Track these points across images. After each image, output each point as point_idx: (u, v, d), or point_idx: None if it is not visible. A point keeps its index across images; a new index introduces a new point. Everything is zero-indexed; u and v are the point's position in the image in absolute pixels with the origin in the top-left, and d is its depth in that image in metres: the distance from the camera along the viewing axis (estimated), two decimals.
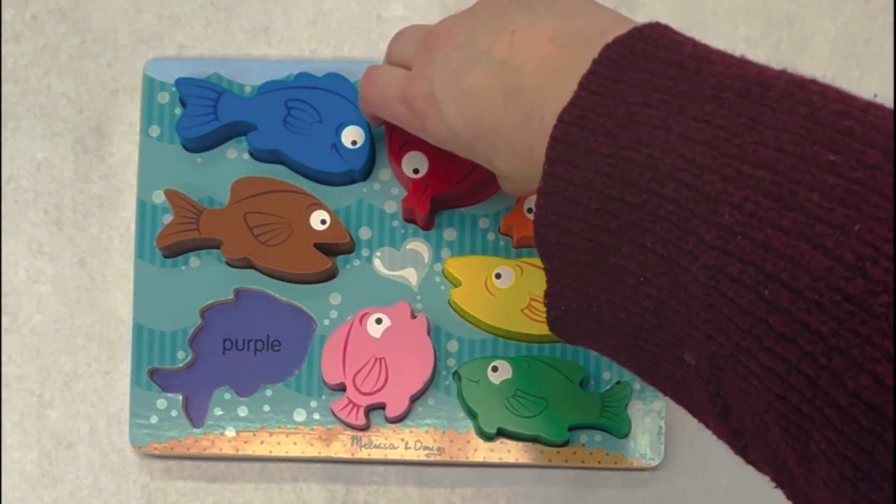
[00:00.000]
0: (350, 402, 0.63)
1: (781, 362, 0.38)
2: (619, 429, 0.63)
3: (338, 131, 0.64)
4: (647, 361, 0.45)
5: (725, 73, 0.42)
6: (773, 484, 0.42)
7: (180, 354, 0.64)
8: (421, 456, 0.64)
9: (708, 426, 0.44)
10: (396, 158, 0.64)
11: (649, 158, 0.42)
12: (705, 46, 0.44)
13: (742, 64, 0.43)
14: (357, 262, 0.65)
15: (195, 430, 0.64)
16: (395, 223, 0.65)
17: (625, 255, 0.43)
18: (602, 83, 0.44)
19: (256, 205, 0.64)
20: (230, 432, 0.64)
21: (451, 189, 0.64)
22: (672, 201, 0.41)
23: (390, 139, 0.64)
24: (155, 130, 0.66)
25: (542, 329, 0.63)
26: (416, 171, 0.64)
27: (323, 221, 0.64)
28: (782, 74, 0.41)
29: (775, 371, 0.38)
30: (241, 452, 0.64)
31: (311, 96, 0.65)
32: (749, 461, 0.43)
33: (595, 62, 0.44)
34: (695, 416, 0.45)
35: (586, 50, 0.45)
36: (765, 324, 0.38)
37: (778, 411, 0.39)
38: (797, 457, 0.39)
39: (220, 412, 0.64)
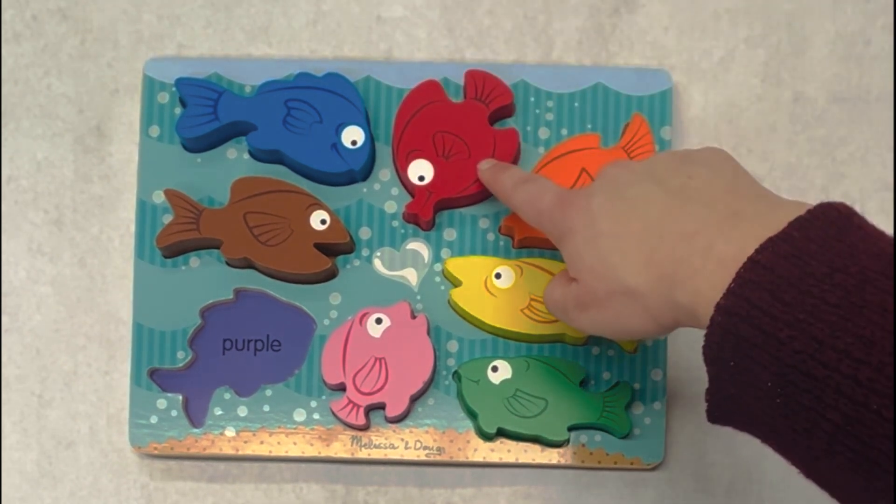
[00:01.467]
0: (350, 402, 0.63)
1: None
2: (619, 429, 0.63)
3: (338, 131, 0.64)
4: (822, 476, 0.45)
5: None
6: None
7: (180, 354, 0.64)
8: (421, 456, 0.64)
9: None
10: (402, 165, 0.64)
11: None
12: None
13: None
14: (357, 262, 0.65)
15: (195, 430, 0.64)
16: (395, 223, 0.65)
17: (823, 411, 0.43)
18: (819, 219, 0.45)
19: (256, 205, 0.64)
20: (230, 432, 0.64)
21: (454, 197, 0.64)
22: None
23: (397, 146, 0.64)
24: (155, 130, 0.66)
25: (542, 329, 0.63)
26: (421, 178, 0.64)
27: (323, 221, 0.64)
28: None
29: None
30: (241, 452, 0.64)
31: (311, 96, 0.65)
32: None
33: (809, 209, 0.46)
34: None
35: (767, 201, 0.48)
36: None
37: None
38: None
39: (220, 412, 0.64)
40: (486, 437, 0.64)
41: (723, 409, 0.48)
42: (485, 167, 0.63)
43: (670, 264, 0.48)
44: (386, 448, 0.64)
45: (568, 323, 0.56)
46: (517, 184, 0.59)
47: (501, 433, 0.64)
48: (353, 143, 0.64)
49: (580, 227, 0.53)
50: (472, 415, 0.64)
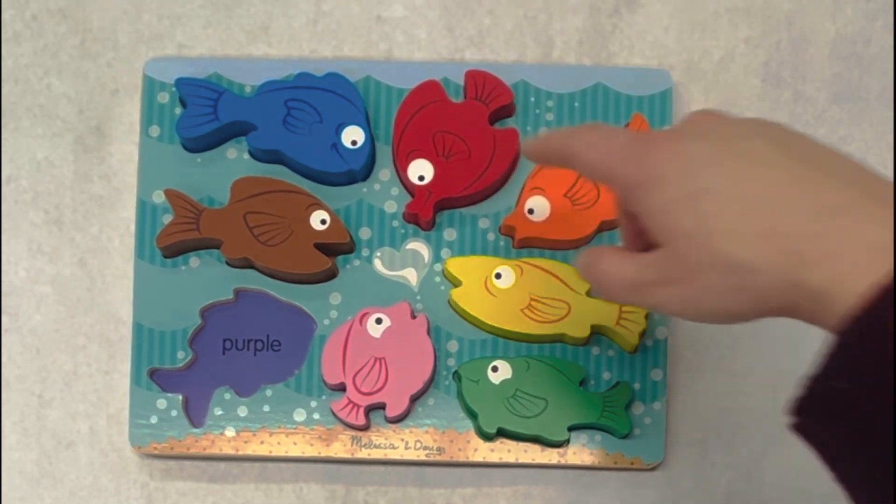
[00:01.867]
0: (350, 402, 0.63)
1: None
2: (619, 429, 0.63)
3: (338, 131, 0.64)
4: None
5: None
6: None
7: (180, 354, 0.64)
8: (421, 456, 0.64)
9: None
10: (402, 165, 0.64)
11: None
12: None
13: None
14: (357, 262, 0.65)
15: (195, 430, 0.64)
16: (395, 223, 0.65)
17: None
18: None
19: (256, 205, 0.64)
20: (230, 432, 0.64)
21: (454, 197, 0.64)
22: None
23: (397, 146, 0.64)
24: (155, 130, 0.66)
25: (542, 329, 0.63)
26: (421, 178, 0.64)
27: (323, 221, 0.64)
28: None
29: None
30: (241, 452, 0.64)
31: (311, 96, 0.65)
32: None
33: None
34: None
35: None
36: None
37: None
38: None
39: (220, 412, 0.64)
40: (486, 437, 0.64)
41: (820, 403, 0.41)
42: (533, 138, 0.54)
43: (798, 240, 0.41)
44: (386, 448, 0.64)
45: (635, 304, 0.49)
46: (573, 131, 0.50)
47: (501, 433, 0.64)
48: (353, 143, 0.64)
49: (673, 177, 0.44)
50: (472, 415, 0.64)
